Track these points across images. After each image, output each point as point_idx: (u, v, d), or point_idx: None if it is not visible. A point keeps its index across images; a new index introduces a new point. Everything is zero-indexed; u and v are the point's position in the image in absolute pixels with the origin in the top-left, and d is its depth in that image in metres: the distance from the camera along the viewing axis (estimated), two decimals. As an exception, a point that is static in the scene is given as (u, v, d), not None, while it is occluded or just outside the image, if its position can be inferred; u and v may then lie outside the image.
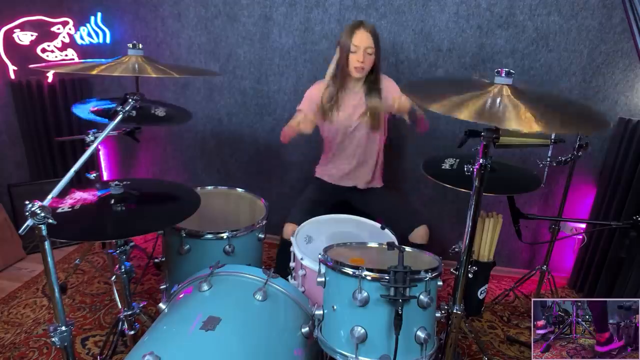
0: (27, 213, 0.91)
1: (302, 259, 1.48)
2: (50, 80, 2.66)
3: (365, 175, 2.09)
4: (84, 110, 1.75)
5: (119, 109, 1.20)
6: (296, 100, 2.55)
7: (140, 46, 1.41)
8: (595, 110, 1.23)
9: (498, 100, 1.04)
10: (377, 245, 1.42)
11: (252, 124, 2.66)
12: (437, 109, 1.02)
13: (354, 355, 1.09)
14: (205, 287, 1.23)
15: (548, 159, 1.93)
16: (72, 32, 2.67)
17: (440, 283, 1.17)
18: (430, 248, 1.47)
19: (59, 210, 1.23)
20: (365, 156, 2.05)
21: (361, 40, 1.82)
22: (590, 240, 2.29)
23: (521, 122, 0.96)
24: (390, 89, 1.98)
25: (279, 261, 1.97)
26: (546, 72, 2.22)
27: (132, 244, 1.47)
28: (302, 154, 2.62)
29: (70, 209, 1.26)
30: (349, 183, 2.11)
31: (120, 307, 1.68)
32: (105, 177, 2.92)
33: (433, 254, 1.31)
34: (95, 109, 1.77)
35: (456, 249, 1.41)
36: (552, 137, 1.82)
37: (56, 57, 2.65)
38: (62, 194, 1.18)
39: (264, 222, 1.76)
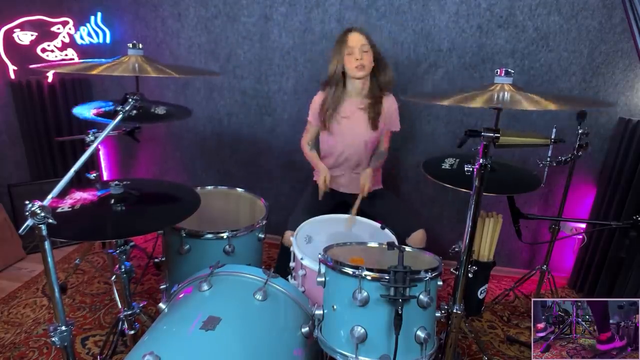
0: (27, 213, 0.91)
1: (302, 259, 1.48)
2: (50, 80, 2.66)
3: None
4: (85, 112, 1.75)
5: (119, 108, 1.20)
6: (296, 101, 2.56)
7: (140, 46, 1.41)
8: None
9: (502, 93, 1.10)
10: (377, 245, 1.42)
11: (252, 124, 2.66)
12: (450, 102, 1.10)
13: (354, 355, 1.09)
14: (205, 287, 1.23)
15: (548, 159, 1.92)
16: (72, 32, 2.67)
17: (440, 283, 1.17)
18: (430, 248, 1.47)
19: (59, 210, 1.23)
20: (363, 162, 2.04)
21: (354, 40, 1.85)
22: (590, 240, 2.29)
23: (532, 103, 1.02)
24: (389, 105, 1.99)
25: (279, 267, 1.98)
26: (546, 72, 2.22)
27: (132, 244, 1.47)
28: (302, 154, 2.62)
29: (70, 209, 1.26)
30: (346, 191, 2.11)
31: (120, 307, 1.68)
32: (105, 177, 2.92)
33: (433, 254, 1.31)
34: (97, 111, 1.76)
35: (456, 249, 1.41)
36: (552, 137, 1.82)
37: (56, 56, 2.66)
38: (62, 194, 1.18)
39: (264, 222, 1.76)
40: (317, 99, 2.02)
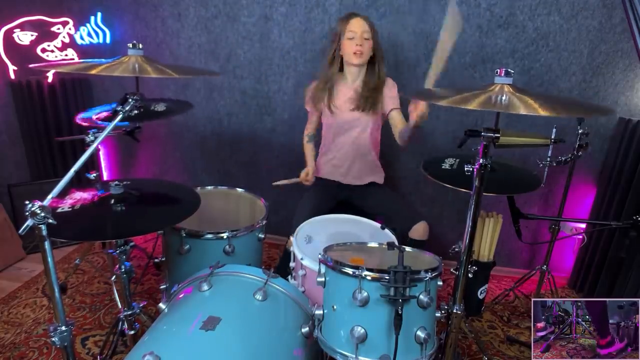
0: (27, 213, 0.91)
1: (302, 259, 1.48)
2: (50, 80, 2.66)
3: (361, 169, 2.09)
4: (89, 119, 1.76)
5: (118, 108, 1.20)
6: (296, 100, 2.56)
7: (140, 46, 1.41)
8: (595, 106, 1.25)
9: (501, 95, 1.08)
10: (377, 245, 1.42)
11: (252, 124, 2.66)
12: (447, 103, 1.07)
13: (353, 355, 1.09)
14: (205, 287, 1.23)
15: (548, 159, 1.92)
16: (72, 32, 2.67)
17: (440, 283, 1.17)
18: (430, 248, 1.47)
19: (59, 210, 1.23)
20: (360, 148, 2.04)
21: (357, 26, 1.86)
22: (590, 240, 2.29)
23: (528, 108, 1.00)
24: (389, 89, 1.98)
25: (280, 268, 1.99)
26: (546, 72, 2.22)
27: (132, 244, 1.47)
28: (302, 154, 2.62)
29: (70, 209, 1.26)
30: (346, 180, 2.11)
31: (120, 307, 1.68)
32: (105, 177, 2.92)
33: (433, 254, 1.31)
34: (100, 115, 1.76)
35: (456, 249, 1.41)
36: (552, 137, 1.82)
37: (56, 57, 2.66)
38: (62, 194, 1.18)
39: (264, 222, 1.76)
40: (312, 84, 2.08)
